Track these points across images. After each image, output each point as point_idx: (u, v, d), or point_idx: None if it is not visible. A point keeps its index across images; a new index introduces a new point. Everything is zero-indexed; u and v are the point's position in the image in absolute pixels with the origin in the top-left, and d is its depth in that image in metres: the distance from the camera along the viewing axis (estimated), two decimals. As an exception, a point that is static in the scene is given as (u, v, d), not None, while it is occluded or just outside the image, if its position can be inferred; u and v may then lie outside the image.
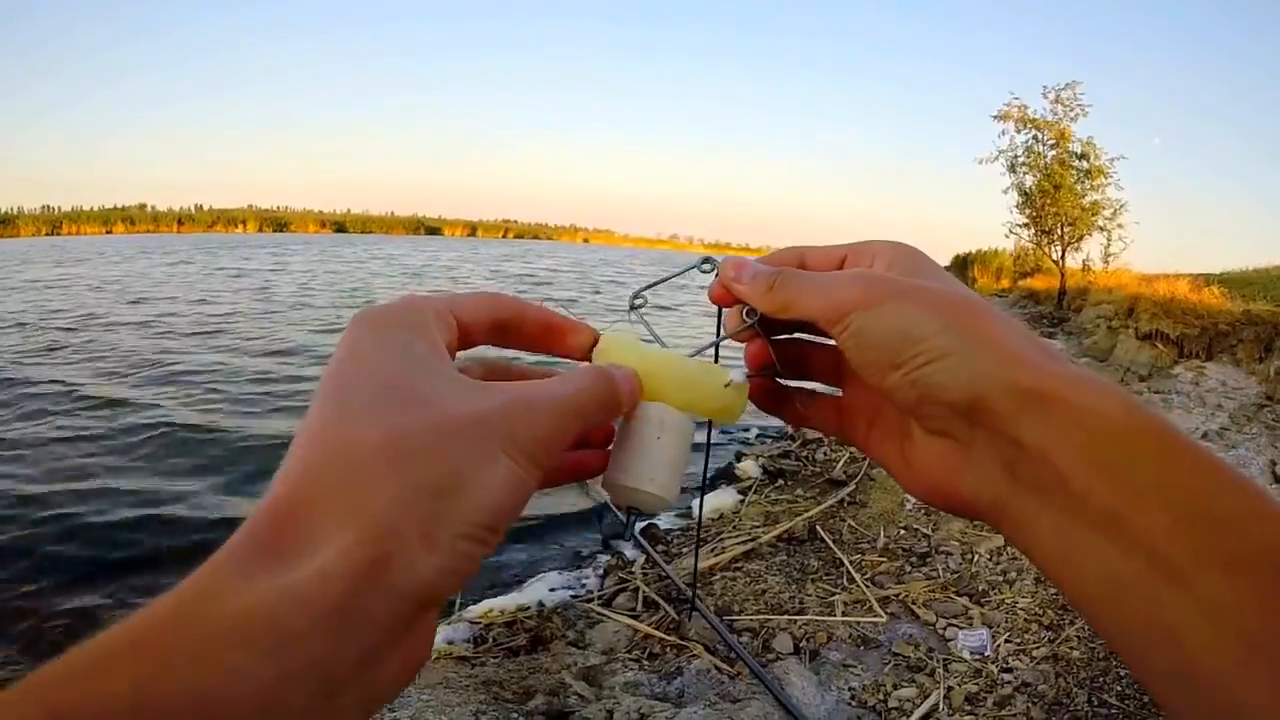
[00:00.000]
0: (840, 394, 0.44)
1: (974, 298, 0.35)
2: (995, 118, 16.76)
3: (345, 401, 0.27)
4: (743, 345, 0.45)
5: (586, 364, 0.37)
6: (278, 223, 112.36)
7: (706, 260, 0.44)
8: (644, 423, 0.41)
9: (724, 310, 0.44)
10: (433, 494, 0.25)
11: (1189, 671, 0.26)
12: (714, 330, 0.46)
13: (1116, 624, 0.29)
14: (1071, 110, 16.03)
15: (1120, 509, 0.28)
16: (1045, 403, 0.30)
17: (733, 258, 0.42)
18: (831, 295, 0.36)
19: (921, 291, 0.35)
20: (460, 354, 0.35)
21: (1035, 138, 16.41)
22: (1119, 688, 2.17)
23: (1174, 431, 0.29)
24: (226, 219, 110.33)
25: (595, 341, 0.40)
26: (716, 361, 0.44)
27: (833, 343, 0.40)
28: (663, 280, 0.47)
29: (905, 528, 3.41)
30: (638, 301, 0.46)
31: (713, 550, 3.30)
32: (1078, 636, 2.40)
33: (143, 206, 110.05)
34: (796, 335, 0.44)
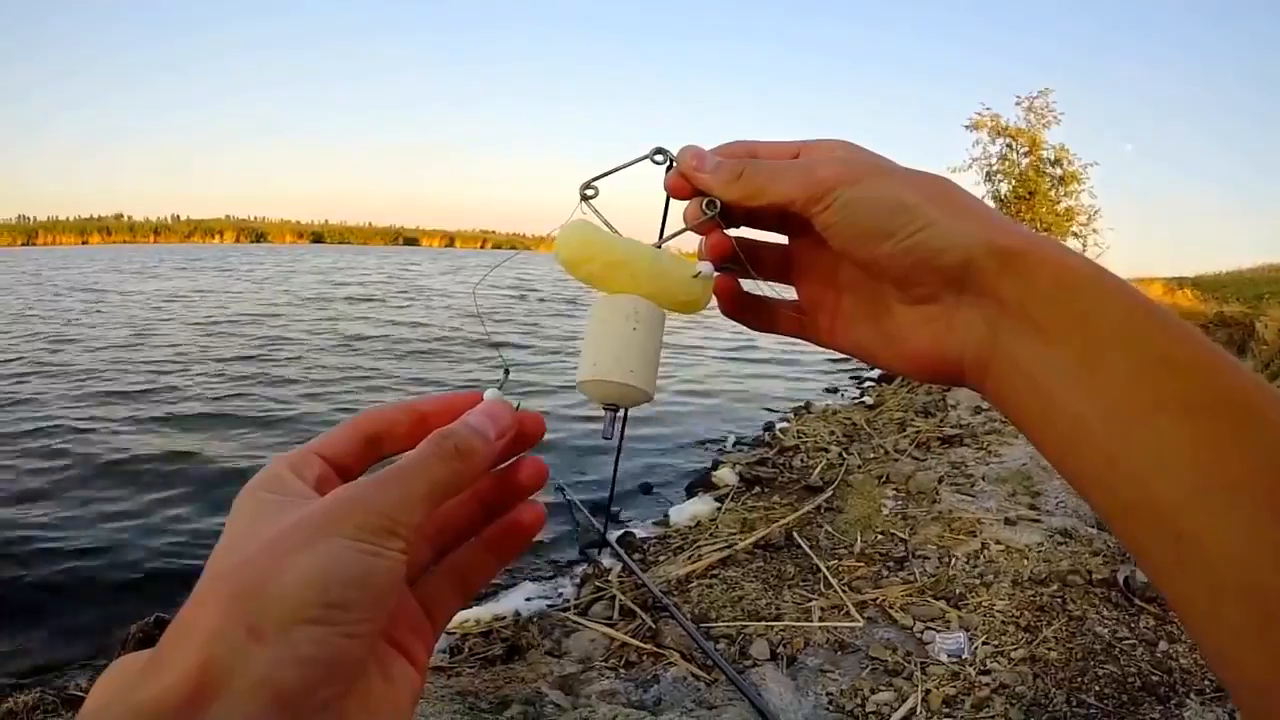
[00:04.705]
0: (795, 297, 0.45)
1: (939, 175, 0.37)
2: (967, 127, 16.96)
3: (208, 566, 0.29)
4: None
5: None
6: (255, 233, 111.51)
7: (659, 151, 0.42)
8: (617, 315, 0.40)
9: (671, 201, 0.43)
10: (247, 596, 0.25)
11: (1150, 505, 0.28)
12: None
13: (1086, 465, 0.31)
14: (1044, 117, 16.26)
15: (1090, 353, 0.30)
16: (1022, 259, 0.33)
17: (691, 146, 0.41)
18: (812, 174, 0.37)
19: (898, 169, 0.37)
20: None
21: (1009, 145, 16.62)
22: (1097, 688, 2.18)
23: (1135, 288, 0.32)
24: (204, 229, 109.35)
25: (473, 404, 0.37)
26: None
27: (781, 241, 0.44)
28: (612, 171, 0.44)
29: (882, 533, 3.42)
30: (589, 192, 0.43)
31: (690, 558, 3.30)
32: (1055, 638, 2.40)
33: (119, 217, 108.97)
34: (743, 234, 0.43)
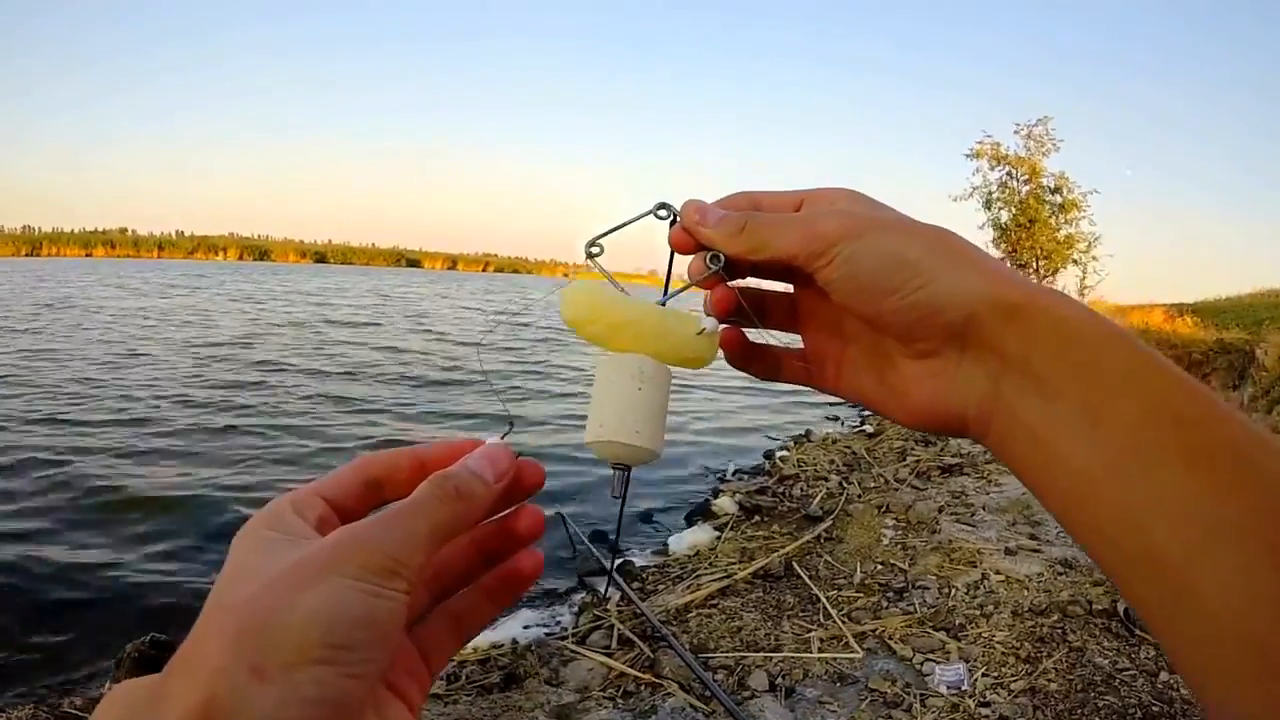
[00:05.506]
0: (801, 345, 0.45)
1: (941, 227, 0.37)
2: (968, 156, 17.07)
3: (210, 599, 0.29)
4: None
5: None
6: (259, 251, 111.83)
7: (662, 206, 0.43)
8: (623, 375, 0.40)
9: (675, 256, 0.44)
10: (252, 634, 0.25)
11: (1152, 556, 0.28)
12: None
13: (1088, 517, 0.31)
14: (1044, 145, 16.36)
15: (1093, 404, 0.30)
16: (1025, 313, 0.33)
17: (695, 200, 0.42)
18: (814, 229, 0.37)
19: (900, 222, 0.37)
20: None
21: (1009, 173, 16.71)
22: (1098, 719, 2.16)
23: (1136, 339, 0.32)
24: (207, 246, 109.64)
25: (469, 451, 0.37)
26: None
27: (786, 289, 0.44)
28: (617, 228, 0.44)
29: (882, 563, 3.40)
30: (594, 250, 0.44)
31: (689, 587, 3.28)
32: (1055, 669, 2.39)
33: (124, 230, 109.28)
34: (749, 284, 0.44)
